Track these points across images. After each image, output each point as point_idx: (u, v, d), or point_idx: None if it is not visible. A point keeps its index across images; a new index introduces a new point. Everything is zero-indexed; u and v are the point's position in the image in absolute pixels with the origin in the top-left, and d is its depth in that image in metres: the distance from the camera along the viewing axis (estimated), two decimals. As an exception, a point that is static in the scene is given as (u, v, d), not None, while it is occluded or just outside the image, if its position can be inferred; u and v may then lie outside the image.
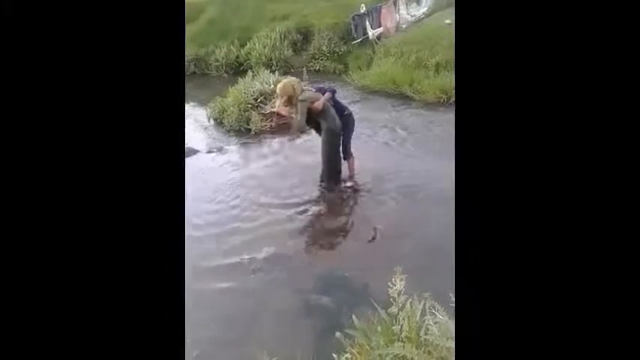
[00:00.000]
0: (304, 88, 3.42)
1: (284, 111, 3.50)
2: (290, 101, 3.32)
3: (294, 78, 3.49)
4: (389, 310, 1.48)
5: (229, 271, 2.73)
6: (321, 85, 3.74)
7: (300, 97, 3.25)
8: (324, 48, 7.91)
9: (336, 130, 3.39)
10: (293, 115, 3.44)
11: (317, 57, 7.95)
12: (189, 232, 3.20)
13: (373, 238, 2.94)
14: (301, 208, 3.40)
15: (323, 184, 3.64)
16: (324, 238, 3.04)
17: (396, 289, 1.38)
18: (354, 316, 1.77)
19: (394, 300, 1.41)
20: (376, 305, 1.80)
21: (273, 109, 5.01)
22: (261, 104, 5.23)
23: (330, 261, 2.79)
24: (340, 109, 3.48)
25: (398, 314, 1.43)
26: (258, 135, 4.97)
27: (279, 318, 2.30)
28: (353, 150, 3.66)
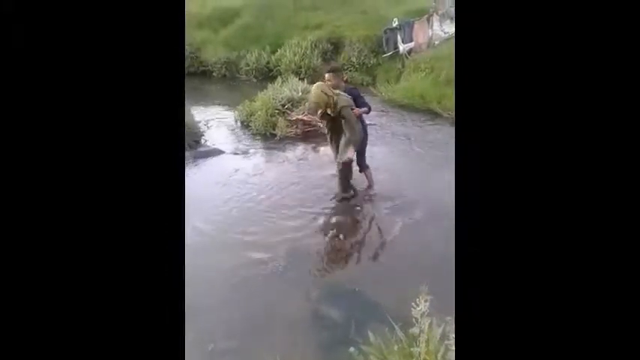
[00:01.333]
0: (331, 90, 3.20)
1: (307, 117, 3.49)
2: (326, 106, 3.17)
3: (320, 83, 3.29)
4: (410, 331, 1.45)
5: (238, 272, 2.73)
6: (350, 88, 3.65)
7: (339, 103, 3.15)
8: (354, 59, 7.95)
9: (357, 142, 3.35)
10: (319, 121, 3.42)
11: (346, 67, 7.99)
12: (204, 231, 3.24)
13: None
14: (315, 217, 3.39)
15: (336, 194, 3.62)
16: (337, 252, 3.02)
17: (420, 310, 1.34)
18: (370, 333, 1.73)
19: (417, 321, 1.37)
20: (394, 324, 1.77)
21: (299, 116, 5.07)
22: (288, 110, 5.28)
23: (342, 274, 2.76)
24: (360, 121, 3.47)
25: (420, 336, 1.38)
26: (283, 140, 5.01)
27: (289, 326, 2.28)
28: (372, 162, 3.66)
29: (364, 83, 7.56)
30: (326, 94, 3.14)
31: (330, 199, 3.62)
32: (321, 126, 3.61)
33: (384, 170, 4.07)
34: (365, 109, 3.46)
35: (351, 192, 3.60)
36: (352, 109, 3.24)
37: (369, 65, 7.87)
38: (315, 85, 3.27)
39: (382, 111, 6.04)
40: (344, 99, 3.22)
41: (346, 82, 3.84)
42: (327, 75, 3.44)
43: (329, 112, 3.23)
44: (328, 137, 3.59)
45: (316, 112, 3.30)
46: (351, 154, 3.30)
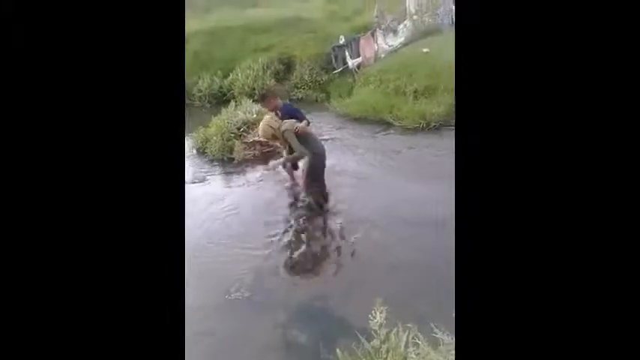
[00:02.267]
0: (276, 120, 3.44)
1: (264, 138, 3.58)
2: (275, 137, 3.43)
3: (267, 116, 3.50)
4: (372, 343, 1.46)
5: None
6: (286, 104, 3.77)
7: (282, 129, 3.32)
8: (306, 77, 8.10)
9: (323, 152, 3.50)
10: (277, 144, 3.51)
11: (299, 86, 8.12)
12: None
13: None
14: (282, 236, 3.38)
15: (309, 206, 3.64)
16: (305, 265, 3.01)
17: (377, 322, 1.36)
18: (338, 350, 1.72)
19: (376, 333, 1.39)
20: (360, 337, 1.77)
21: (255, 138, 5.07)
22: (244, 133, 5.26)
23: (311, 287, 2.75)
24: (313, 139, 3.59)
25: (380, 347, 1.40)
26: (242, 164, 4.97)
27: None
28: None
29: (318, 99, 7.71)
30: (271, 126, 3.36)
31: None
32: (279, 145, 3.72)
33: (346, 180, 4.14)
34: (304, 122, 3.54)
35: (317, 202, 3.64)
36: (295, 128, 3.36)
37: (322, 82, 8.05)
38: (262, 120, 3.49)
39: (340, 126, 6.18)
40: (288, 123, 3.37)
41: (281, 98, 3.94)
42: (261, 104, 3.83)
43: (277, 141, 3.51)
44: (285, 154, 3.70)
45: (269, 134, 3.44)
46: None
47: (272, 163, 3.63)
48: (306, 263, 3.04)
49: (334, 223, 3.53)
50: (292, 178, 4.17)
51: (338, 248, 3.20)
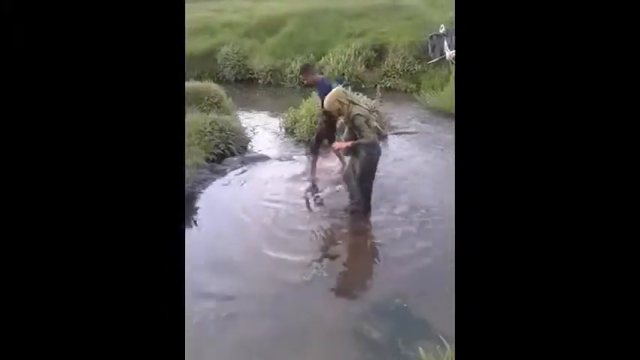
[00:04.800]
0: (347, 98, 3.17)
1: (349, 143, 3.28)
2: (340, 113, 3.18)
3: (336, 89, 3.28)
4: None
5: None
6: (322, 78, 4.06)
7: (353, 112, 3.08)
8: (398, 66, 7.88)
9: (379, 150, 3.30)
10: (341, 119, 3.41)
11: (390, 74, 7.94)
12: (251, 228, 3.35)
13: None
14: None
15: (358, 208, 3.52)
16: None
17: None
18: (420, 349, 1.70)
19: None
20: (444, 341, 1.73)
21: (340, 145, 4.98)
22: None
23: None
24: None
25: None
26: (327, 147, 5.07)
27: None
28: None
29: (408, 90, 7.47)
30: (340, 101, 3.13)
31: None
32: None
33: (421, 178, 3.99)
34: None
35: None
36: (366, 122, 3.09)
37: (414, 72, 7.77)
38: (331, 92, 3.24)
39: (425, 119, 5.94)
40: (362, 109, 3.16)
41: (322, 74, 4.32)
42: (301, 76, 4.16)
43: (342, 119, 3.27)
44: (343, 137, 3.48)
45: (330, 117, 3.27)
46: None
47: (338, 144, 3.35)
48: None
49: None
50: (343, 163, 4.07)
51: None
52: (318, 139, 4.27)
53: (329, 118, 3.90)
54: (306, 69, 4.22)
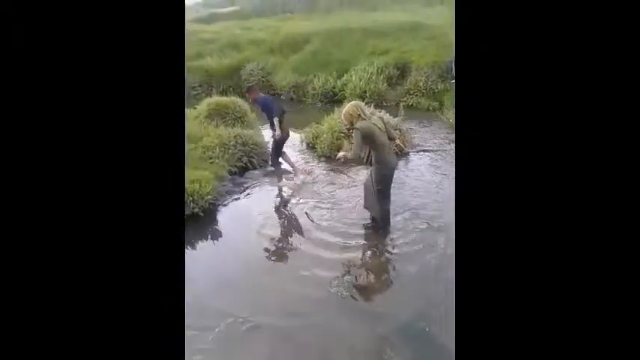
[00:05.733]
0: (359, 113, 3.22)
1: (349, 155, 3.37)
2: (352, 125, 3.24)
3: (354, 102, 3.41)
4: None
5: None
6: (266, 102, 4.42)
7: (356, 125, 3.14)
8: (421, 84, 7.90)
9: (394, 167, 3.34)
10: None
11: (412, 92, 7.95)
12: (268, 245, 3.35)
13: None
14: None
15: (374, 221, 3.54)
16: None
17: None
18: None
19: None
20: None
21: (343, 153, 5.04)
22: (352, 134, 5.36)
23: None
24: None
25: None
26: (347, 163, 5.07)
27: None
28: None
29: (430, 108, 7.45)
30: (351, 114, 3.21)
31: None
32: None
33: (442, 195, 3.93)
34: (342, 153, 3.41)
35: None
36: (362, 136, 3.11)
37: (436, 90, 7.75)
38: (349, 104, 3.38)
39: (446, 137, 5.89)
40: (364, 123, 3.15)
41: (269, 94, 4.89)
42: (247, 94, 4.81)
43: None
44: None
45: (348, 121, 3.29)
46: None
47: (340, 154, 3.42)
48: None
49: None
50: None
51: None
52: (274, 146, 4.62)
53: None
54: (250, 89, 4.69)
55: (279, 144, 4.55)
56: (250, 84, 5.75)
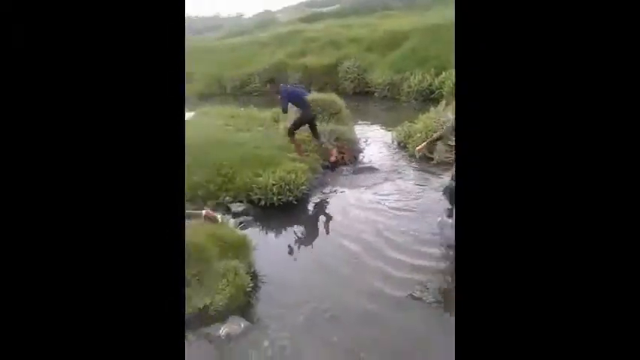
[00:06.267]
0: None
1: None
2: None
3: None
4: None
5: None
6: (290, 91, 4.97)
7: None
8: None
9: None
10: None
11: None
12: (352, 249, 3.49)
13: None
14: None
15: None
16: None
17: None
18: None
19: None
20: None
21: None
22: (450, 135, 5.17)
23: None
24: None
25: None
26: (440, 165, 4.94)
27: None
28: None
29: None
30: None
31: None
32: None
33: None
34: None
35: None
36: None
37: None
38: None
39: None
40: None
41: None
42: (268, 86, 5.55)
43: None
44: None
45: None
46: None
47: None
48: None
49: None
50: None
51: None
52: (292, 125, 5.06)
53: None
54: (270, 84, 5.33)
55: (302, 121, 4.99)
56: (272, 77, 6.48)
